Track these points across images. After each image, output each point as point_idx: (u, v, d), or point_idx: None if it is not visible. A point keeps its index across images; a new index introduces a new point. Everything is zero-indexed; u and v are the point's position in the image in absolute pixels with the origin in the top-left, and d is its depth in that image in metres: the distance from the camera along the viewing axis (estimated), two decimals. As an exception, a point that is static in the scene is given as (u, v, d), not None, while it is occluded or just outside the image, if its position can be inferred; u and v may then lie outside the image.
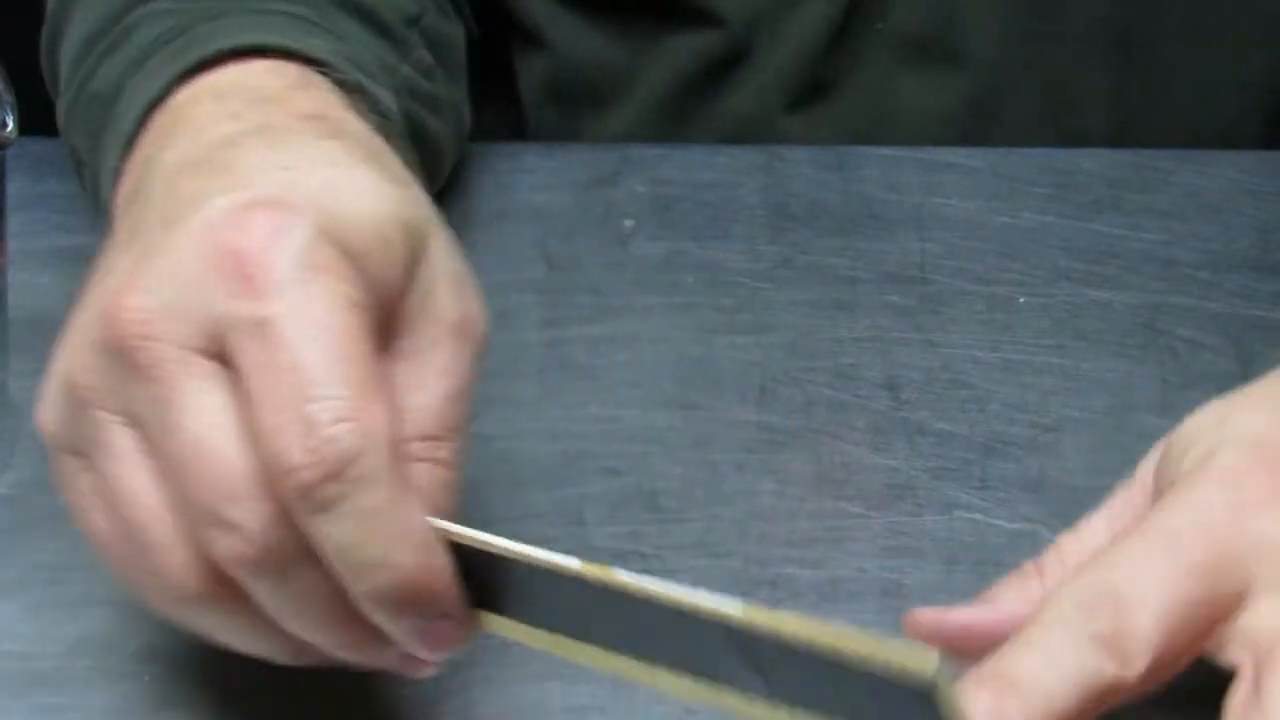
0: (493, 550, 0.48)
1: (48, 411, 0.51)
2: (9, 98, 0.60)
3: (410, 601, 0.46)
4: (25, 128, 0.62)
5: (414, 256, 0.50)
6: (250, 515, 0.46)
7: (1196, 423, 0.53)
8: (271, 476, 0.45)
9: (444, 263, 0.51)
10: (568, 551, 0.61)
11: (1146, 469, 0.55)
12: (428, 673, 0.50)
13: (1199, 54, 0.85)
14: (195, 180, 0.51)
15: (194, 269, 0.47)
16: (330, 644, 0.48)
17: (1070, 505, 0.63)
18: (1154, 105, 0.86)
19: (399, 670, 0.50)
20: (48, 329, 0.69)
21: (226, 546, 0.46)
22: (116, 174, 0.58)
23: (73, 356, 0.49)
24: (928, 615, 0.53)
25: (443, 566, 0.47)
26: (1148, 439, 0.64)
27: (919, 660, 0.43)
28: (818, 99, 0.86)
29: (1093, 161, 0.81)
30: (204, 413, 0.46)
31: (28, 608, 0.59)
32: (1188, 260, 0.76)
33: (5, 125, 0.59)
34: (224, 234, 0.47)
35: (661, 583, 0.46)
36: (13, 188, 0.65)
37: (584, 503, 0.63)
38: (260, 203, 0.48)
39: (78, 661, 0.57)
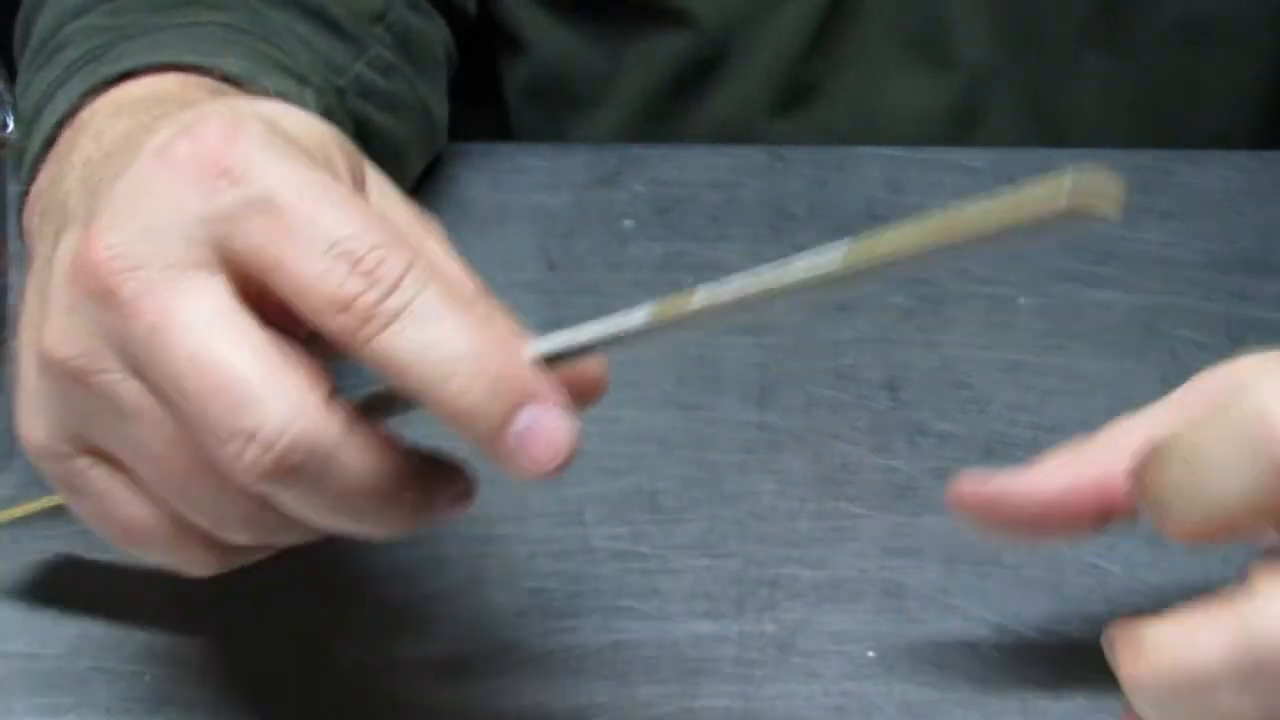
0: (560, 350, 0.47)
1: (31, 421, 0.49)
2: (9, 98, 0.60)
3: (503, 388, 0.45)
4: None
5: (356, 178, 0.50)
6: (271, 415, 0.44)
7: None
8: (327, 320, 0.45)
9: (389, 189, 0.51)
10: (567, 552, 0.61)
11: (1209, 382, 0.51)
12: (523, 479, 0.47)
13: (1189, 57, 0.86)
14: (121, 154, 0.50)
15: (158, 189, 0.47)
16: (379, 522, 0.47)
17: (1070, 506, 0.63)
18: (1143, 108, 0.86)
19: (450, 515, 0.48)
20: (48, 329, 0.70)
21: (252, 459, 0.44)
22: (24, 195, 0.58)
23: (46, 336, 0.48)
24: (970, 484, 0.52)
25: (522, 348, 0.46)
26: (1148, 439, 0.64)
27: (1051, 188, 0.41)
28: (803, 102, 0.86)
29: (1093, 162, 0.81)
30: (197, 325, 0.45)
31: (28, 608, 0.59)
32: (1188, 261, 0.76)
33: (6, 125, 0.59)
34: (180, 149, 0.47)
35: (740, 281, 0.45)
36: (12, 188, 0.65)
37: (584, 503, 0.63)
38: (202, 116, 0.48)
39: (77, 661, 0.57)
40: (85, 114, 0.57)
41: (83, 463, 0.49)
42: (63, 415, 0.48)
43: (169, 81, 0.57)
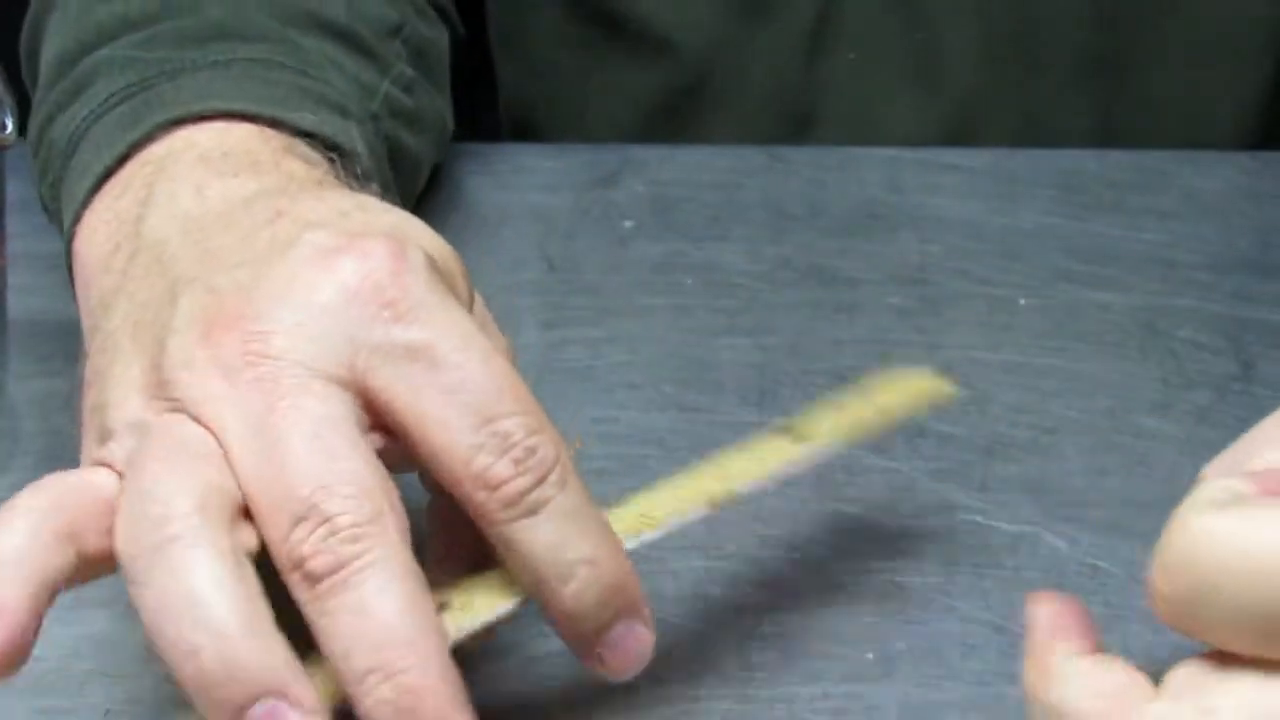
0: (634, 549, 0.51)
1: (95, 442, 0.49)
2: (9, 98, 0.60)
3: (613, 599, 0.48)
4: (25, 128, 0.62)
5: (471, 295, 0.51)
6: (348, 510, 0.45)
7: None
8: (467, 490, 0.46)
9: (488, 316, 0.52)
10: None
11: None
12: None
13: (1185, 77, 0.86)
14: (246, 227, 0.51)
15: (316, 296, 0.47)
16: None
17: (1071, 506, 0.63)
18: (1138, 129, 0.86)
19: None
20: (48, 329, 0.70)
21: (315, 539, 0.45)
22: (71, 236, 0.58)
23: (147, 384, 0.48)
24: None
25: (629, 565, 0.49)
26: (1147, 439, 0.64)
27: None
28: (793, 129, 0.86)
29: (1093, 163, 0.81)
30: (310, 422, 0.45)
31: (27, 609, 0.59)
32: (1188, 261, 0.76)
33: (5, 126, 0.59)
34: (345, 263, 0.47)
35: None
36: (13, 188, 0.65)
37: (584, 504, 0.63)
38: (365, 233, 0.48)
39: (77, 663, 0.57)
40: (158, 152, 0.57)
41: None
42: (130, 450, 0.48)
43: (241, 133, 0.57)
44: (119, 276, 0.53)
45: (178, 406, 0.47)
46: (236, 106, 0.59)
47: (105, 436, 0.48)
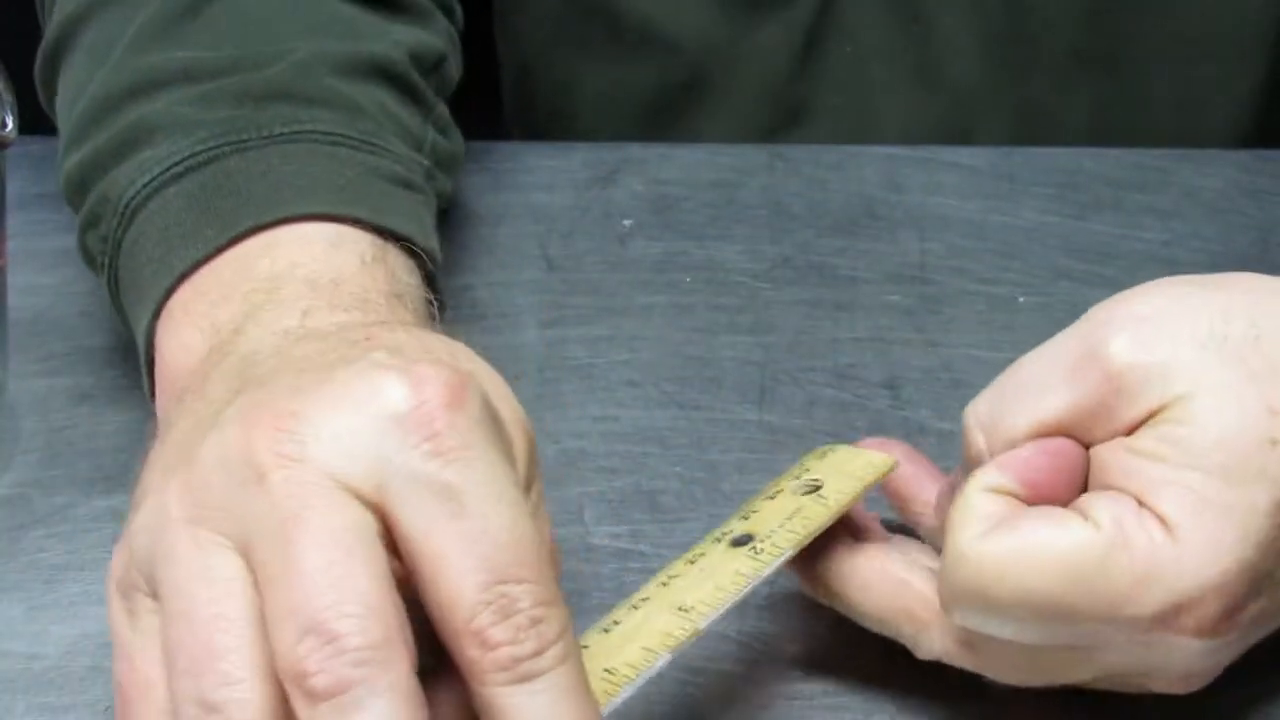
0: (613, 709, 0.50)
1: (128, 544, 0.48)
2: (9, 98, 0.60)
3: None
4: (25, 128, 0.61)
5: (532, 471, 0.50)
6: (362, 630, 0.44)
7: (1215, 422, 0.51)
8: (462, 644, 0.45)
9: (543, 491, 0.51)
10: (568, 551, 0.61)
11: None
12: None
13: (1183, 73, 0.86)
14: (336, 344, 0.50)
15: (359, 414, 0.46)
16: None
17: (1070, 505, 0.63)
18: (1134, 125, 0.86)
19: None
20: (48, 329, 0.70)
21: (320, 659, 0.43)
22: (153, 330, 0.58)
23: (180, 477, 0.47)
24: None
25: None
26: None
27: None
28: (791, 124, 0.86)
29: (1093, 161, 0.81)
30: (327, 532, 0.44)
31: (28, 607, 0.59)
32: (1188, 260, 0.75)
33: (5, 125, 0.59)
34: (397, 390, 0.46)
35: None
36: (13, 188, 0.65)
37: (584, 502, 0.63)
38: (431, 360, 0.47)
39: (77, 660, 0.57)
40: (260, 270, 0.57)
41: (143, 604, 0.47)
42: (150, 542, 0.47)
43: (345, 257, 0.58)
44: (202, 379, 0.52)
45: (203, 518, 0.46)
46: (318, 209, 0.58)
47: (126, 545, 0.48)
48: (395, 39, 0.68)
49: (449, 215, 0.77)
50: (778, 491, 0.56)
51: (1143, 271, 0.75)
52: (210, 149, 0.61)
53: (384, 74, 0.66)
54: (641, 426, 0.67)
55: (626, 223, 0.77)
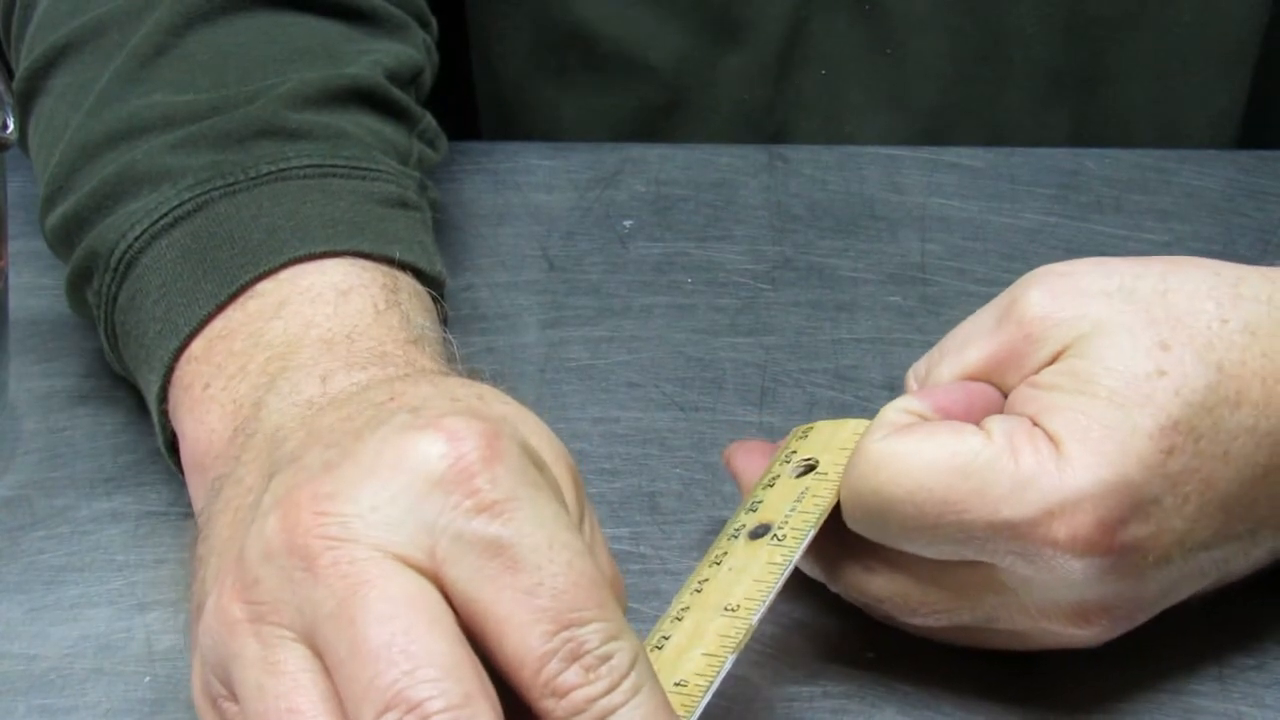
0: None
1: (199, 654, 0.47)
2: (9, 99, 0.60)
3: None
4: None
5: (582, 505, 0.49)
6: (441, 696, 0.43)
7: (1111, 353, 0.54)
8: (535, 698, 0.44)
9: (598, 523, 0.50)
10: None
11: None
12: None
13: (1156, 89, 0.85)
14: (360, 408, 0.49)
15: (398, 479, 0.45)
16: None
17: (1071, 506, 0.63)
18: (1110, 142, 0.86)
19: None
20: (48, 329, 0.70)
21: None
22: (164, 397, 0.58)
23: (233, 581, 0.46)
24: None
25: None
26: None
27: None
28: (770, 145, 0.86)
29: (1094, 162, 0.81)
30: (386, 605, 0.44)
31: (28, 608, 0.59)
32: (1189, 261, 0.75)
33: (6, 125, 0.59)
34: (433, 443, 0.45)
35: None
36: (13, 188, 0.65)
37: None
38: (465, 414, 0.47)
39: (77, 662, 0.57)
40: (272, 335, 0.56)
41: (233, 708, 0.47)
42: (220, 648, 0.46)
43: (336, 277, 0.58)
44: (233, 463, 0.52)
45: (262, 614, 0.45)
46: (318, 248, 0.58)
47: (198, 654, 0.47)
48: (373, 58, 0.67)
49: (450, 215, 0.77)
50: (774, 479, 0.56)
51: (1143, 272, 0.75)
52: (198, 195, 0.60)
53: (364, 96, 0.66)
54: (642, 428, 0.67)
55: (627, 223, 0.77)
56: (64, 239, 0.63)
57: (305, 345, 0.55)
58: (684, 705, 0.49)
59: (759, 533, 0.54)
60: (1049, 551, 0.52)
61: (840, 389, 0.69)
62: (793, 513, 0.55)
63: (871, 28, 0.84)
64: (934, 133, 0.85)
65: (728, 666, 0.50)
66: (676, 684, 0.50)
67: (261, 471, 0.50)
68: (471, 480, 0.45)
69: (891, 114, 0.85)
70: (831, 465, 0.55)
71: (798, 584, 0.60)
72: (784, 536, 0.54)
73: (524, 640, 0.44)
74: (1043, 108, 0.86)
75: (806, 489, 0.55)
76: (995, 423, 0.53)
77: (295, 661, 0.45)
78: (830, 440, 0.56)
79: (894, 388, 0.69)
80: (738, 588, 0.53)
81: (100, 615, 0.58)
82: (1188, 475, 0.52)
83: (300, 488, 0.46)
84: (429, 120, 0.70)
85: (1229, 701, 0.56)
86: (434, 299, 0.61)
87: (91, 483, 0.64)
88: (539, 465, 0.47)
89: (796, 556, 0.53)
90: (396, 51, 0.69)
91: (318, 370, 0.54)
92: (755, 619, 0.51)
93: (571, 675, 0.44)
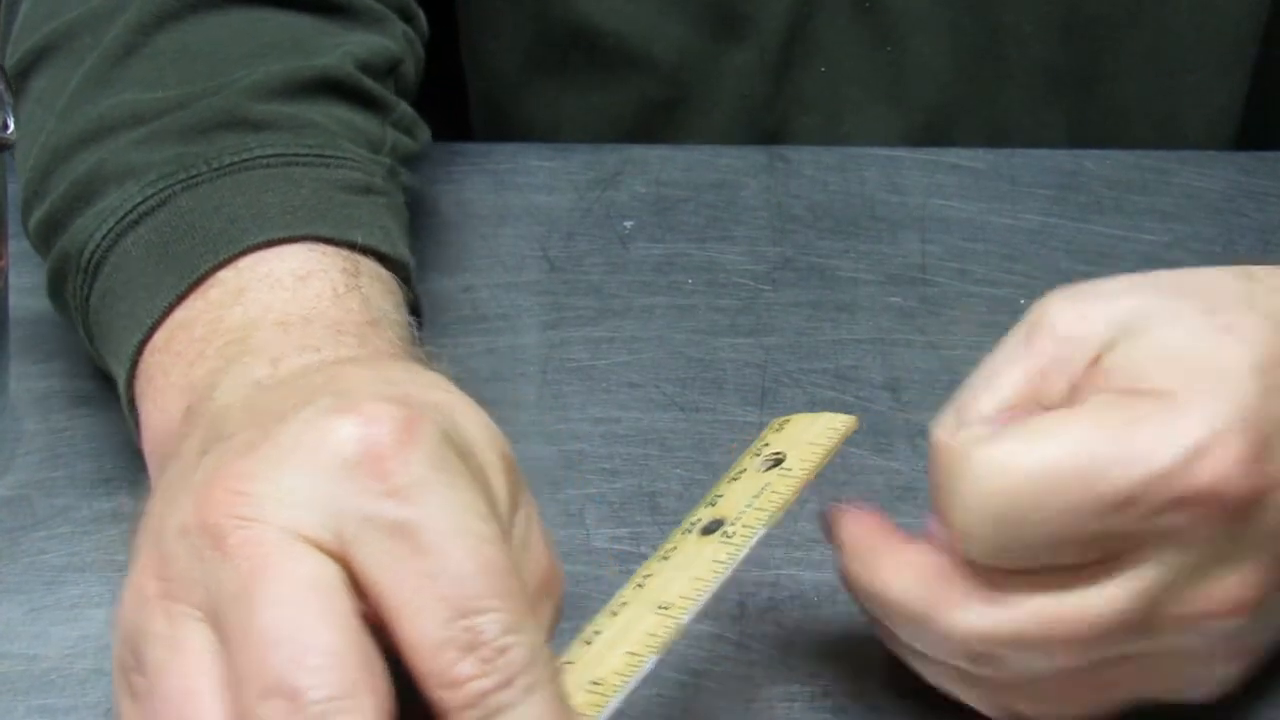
0: None
1: (120, 625, 0.47)
2: (9, 99, 0.60)
3: None
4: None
5: (515, 498, 0.49)
6: (325, 685, 0.43)
7: (1181, 336, 0.52)
8: (430, 685, 0.44)
9: (536, 515, 0.49)
10: (569, 554, 0.61)
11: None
12: None
13: (1154, 88, 0.85)
14: (297, 390, 0.50)
15: (310, 461, 0.45)
16: None
17: (1071, 507, 0.63)
18: (1108, 140, 0.86)
19: None
20: (48, 329, 0.70)
21: (281, 717, 0.43)
22: (130, 385, 0.58)
23: (149, 556, 0.46)
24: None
25: None
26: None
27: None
28: (769, 145, 0.86)
29: (1094, 163, 0.81)
30: (289, 588, 0.44)
31: (28, 608, 0.59)
32: (1189, 261, 0.75)
33: (7, 125, 0.59)
34: (349, 426, 0.45)
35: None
36: (13, 188, 0.65)
37: (584, 504, 0.63)
38: (384, 399, 0.46)
39: (78, 662, 0.57)
40: (232, 320, 0.56)
41: (142, 681, 0.46)
42: (133, 623, 0.47)
43: (295, 262, 0.57)
44: (182, 441, 0.52)
45: (170, 591, 0.46)
46: (277, 234, 0.58)
47: (119, 625, 0.47)
48: (345, 49, 0.67)
49: (450, 216, 0.77)
50: (741, 472, 0.55)
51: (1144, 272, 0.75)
52: (160, 191, 0.60)
53: (332, 86, 0.65)
54: (642, 428, 0.67)
55: (628, 224, 0.77)
56: (43, 242, 0.64)
57: (261, 329, 0.55)
58: (594, 704, 0.48)
59: (711, 528, 0.53)
60: (1202, 496, 0.49)
61: (840, 389, 0.69)
62: (748, 509, 0.53)
63: (872, 25, 0.84)
64: (933, 130, 0.85)
65: (649, 667, 0.49)
66: (593, 682, 0.48)
67: (200, 449, 0.50)
68: (382, 464, 0.45)
69: (891, 111, 0.85)
70: (798, 461, 0.54)
71: (798, 584, 0.60)
72: (734, 534, 0.52)
73: (422, 625, 0.44)
74: (1041, 105, 0.86)
75: (767, 485, 0.53)
76: (1089, 405, 0.51)
77: (198, 641, 0.45)
78: (803, 435, 0.55)
79: (894, 388, 0.69)
80: (675, 585, 0.51)
81: (100, 615, 0.58)
82: None
83: (221, 468, 0.46)
84: (404, 108, 0.69)
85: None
86: (401, 284, 0.61)
87: (91, 483, 0.64)
88: (463, 453, 0.47)
89: (741, 555, 0.51)
90: (370, 43, 0.69)
91: (270, 353, 0.54)
92: (686, 618, 0.50)
93: (467, 666, 0.43)
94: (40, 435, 0.66)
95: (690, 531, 0.53)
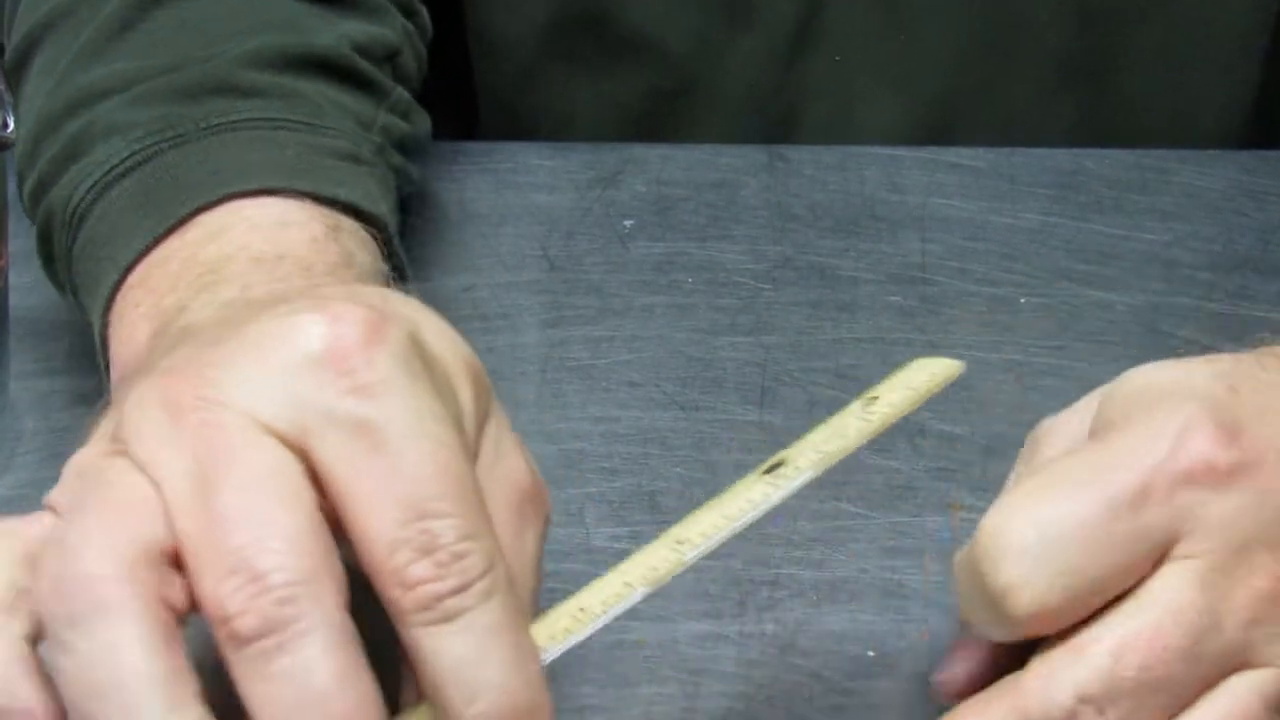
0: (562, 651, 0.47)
1: (59, 490, 0.47)
2: (9, 98, 0.60)
3: None
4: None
5: (484, 409, 0.49)
6: (287, 568, 0.43)
7: (1145, 376, 0.53)
8: (383, 583, 0.44)
9: (508, 428, 0.49)
10: (568, 553, 0.61)
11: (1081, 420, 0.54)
12: None
13: (1166, 80, 0.85)
14: (268, 303, 0.49)
15: (277, 355, 0.45)
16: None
17: (1071, 506, 0.63)
18: (1120, 132, 0.86)
19: None
20: (48, 329, 0.70)
21: (244, 595, 0.42)
22: (105, 324, 0.58)
23: (102, 430, 0.46)
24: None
25: (545, 694, 0.45)
26: (1148, 440, 0.64)
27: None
28: (779, 134, 0.86)
29: (1094, 162, 0.81)
30: (246, 471, 0.44)
31: (28, 608, 0.59)
32: (1189, 261, 0.75)
33: (7, 125, 0.59)
34: (317, 325, 0.45)
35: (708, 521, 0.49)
36: (13, 188, 0.66)
37: (584, 503, 0.63)
38: (352, 301, 0.46)
39: (78, 662, 0.57)
40: (206, 255, 0.56)
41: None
42: (73, 491, 0.46)
43: (276, 211, 0.58)
44: (145, 355, 0.52)
45: (122, 449, 0.45)
46: (260, 184, 0.58)
47: (60, 482, 0.47)
48: (340, 32, 0.67)
49: (450, 215, 0.77)
50: (841, 412, 0.52)
51: (1144, 272, 0.75)
52: (147, 147, 0.61)
53: (325, 65, 0.66)
54: (642, 427, 0.67)
55: (628, 223, 0.77)
56: (34, 206, 0.65)
57: (236, 262, 0.56)
58: (567, 629, 0.47)
59: (772, 468, 0.51)
60: (1198, 470, 0.49)
61: (841, 389, 0.69)
62: (809, 450, 0.51)
63: (885, 13, 0.84)
64: (943, 119, 0.85)
65: (635, 598, 0.47)
66: (580, 608, 0.47)
67: (165, 355, 0.49)
68: (347, 360, 0.45)
69: (902, 100, 0.85)
70: (884, 406, 0.51)
71: (798, 583, 0.60)
72: (781, 475, 0.50)
73: (378, 523, 0.43)
74: (1053, 96, 0.85)
75: (842, 427, 0.51)
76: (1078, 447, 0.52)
77: (145, 486, 0.44)
78: (906, 378, 0.52)
79: (894, 387, 0.69)
80: (703, 521, 0.49)
81: (100, 614, 0.58)
82: (1267, 406, 0.51)
83: (188, 357, 0.46)
84: (401, 93, 0.70)
85: None
86: (383, 246, 0.61)
87: (92, 482, 0.64)
88: (428, 362, 0.47)
89: (776, 498, 0.49)
90: (368, 30, 0.69)
91: (241, 281, 0.54)
92: (691, 555, 0.48)
93: (421, 568, 0.43)
94: (40, 435, 0.66)
95: (755, 470, 0.51)
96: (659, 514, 0.63)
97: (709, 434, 0.66)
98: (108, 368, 0.59)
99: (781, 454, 0.51)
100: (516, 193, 0.79)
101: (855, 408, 0.51)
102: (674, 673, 0.57)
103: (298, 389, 0.45)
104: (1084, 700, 0.47)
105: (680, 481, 0.64)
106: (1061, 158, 0.82)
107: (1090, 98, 0.86)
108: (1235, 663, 0.49)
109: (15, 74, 0.69)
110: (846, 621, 0.59)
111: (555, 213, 0.78)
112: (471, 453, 0.47)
